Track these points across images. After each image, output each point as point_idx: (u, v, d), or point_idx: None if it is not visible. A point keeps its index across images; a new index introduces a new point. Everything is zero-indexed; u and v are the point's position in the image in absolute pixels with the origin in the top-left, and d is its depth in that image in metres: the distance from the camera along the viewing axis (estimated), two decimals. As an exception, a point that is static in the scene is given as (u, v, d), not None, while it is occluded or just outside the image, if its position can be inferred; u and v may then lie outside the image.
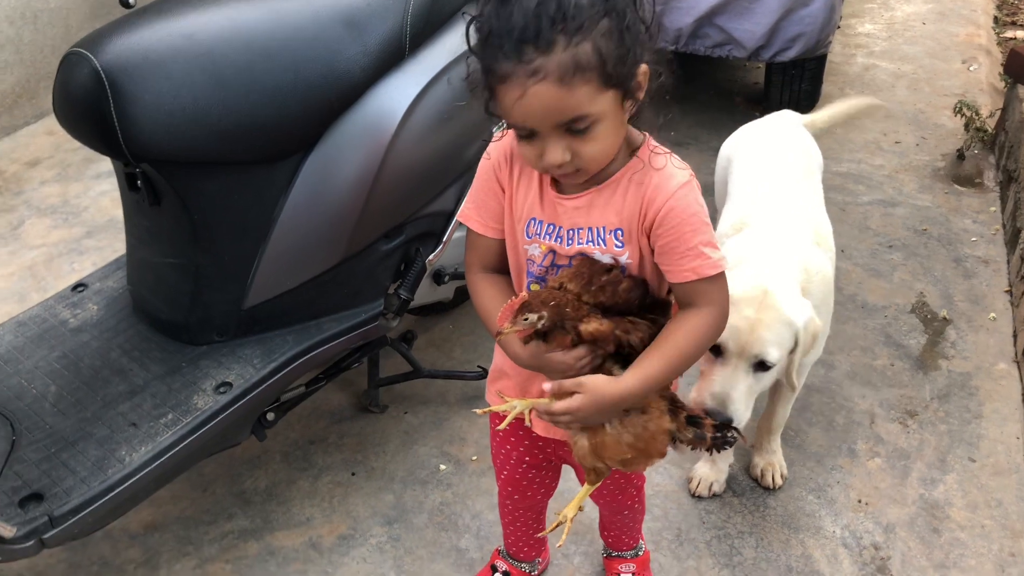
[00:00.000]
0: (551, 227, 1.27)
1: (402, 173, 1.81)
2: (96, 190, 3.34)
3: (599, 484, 1.38)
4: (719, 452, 1.38)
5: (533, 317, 1.20)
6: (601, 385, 1.23)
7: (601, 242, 1.25)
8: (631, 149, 1.25)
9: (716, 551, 1.97)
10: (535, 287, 1.32)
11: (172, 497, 2.08)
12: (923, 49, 4.51)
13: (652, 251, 1.25)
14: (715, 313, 1.26)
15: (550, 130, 1.11)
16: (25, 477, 1.56)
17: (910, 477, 2.14)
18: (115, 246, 2.99)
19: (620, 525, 1.78)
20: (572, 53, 1.05)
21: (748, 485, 2.13)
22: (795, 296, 1.65)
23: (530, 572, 1.86)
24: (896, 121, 3.82)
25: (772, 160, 2.10)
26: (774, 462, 2.12)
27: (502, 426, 1.40)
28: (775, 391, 2.02)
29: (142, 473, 1.59)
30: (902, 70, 4.28)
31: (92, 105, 1.53)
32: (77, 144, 3.63)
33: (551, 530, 1.48)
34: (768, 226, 1.85)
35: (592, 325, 1.22)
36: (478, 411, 1.41)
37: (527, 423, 1.37)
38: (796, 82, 3.54)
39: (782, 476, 2.12)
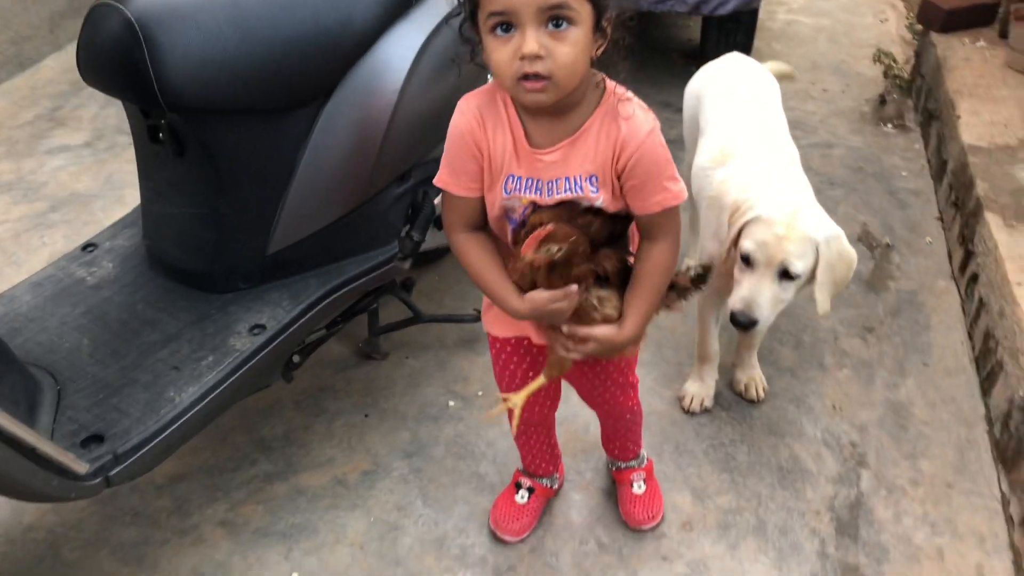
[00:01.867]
0: (530, 181, 1.38)
1: (412, 118, 1.90)
2: (51, 165, 3.29)
3: (554, 376, 1.57)
4: (699, 290, 1.54)
5: (554, 248, 1.32)
6: (610, 335, 1.42)
7: (578, 189, 1.37)
8: (597, 97, 1.36)
9: (713, 459, 2.15)
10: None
11: (192, 449, 2.13)
12: (837, 5, 4.80)
13: (621, 188, 1.39)
14: (673, 242, 1.44)
15: (531, 18, 1.19)
16: (80, 421, 1.60)
17: (875, 383, 2.37)
18: (83, 218, 2.97)
19: (623, 433, 1.92)
20: None
21: (733, 400, 2.32)
22: (822, 217, 1.83)
23: (550, 486, 1.99)
24: (821, 71, 4.08)
25: (744, 93, 2.27)
26: (755, 377, 2.32)
27: (514, 425, 1.58)
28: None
29: (193, 411, 1.65)
30: (821, 24, 4.55)
31: (125, 56, 1.57)
32: (21, 120, 3.57)
33: (498, 412, 1.64)
34: (757, 154, 2.01)
35: (581, 268, 1.36)
36: (489, 415, 1.49)
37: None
38: (732, 35, 3.74)
39: (764, 390, 2.31)
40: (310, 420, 2.23)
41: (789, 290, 1.82)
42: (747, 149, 2.05)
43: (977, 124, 3.03)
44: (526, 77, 1.23)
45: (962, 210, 2.80)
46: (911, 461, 2.14)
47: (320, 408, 2.27)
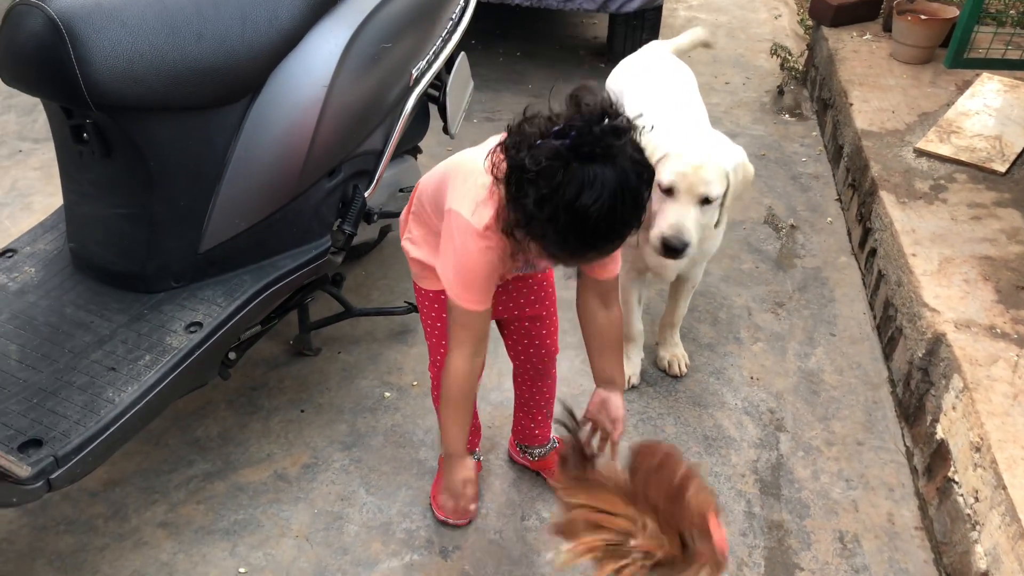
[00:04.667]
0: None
1: (341, 112, 1.93)
2: (-50, 175, 3.16)
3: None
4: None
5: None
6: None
7: None
8: None
9: (643, 431, 2.24)
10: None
11: (125, 454, 2.10)
12: (732, 2, 5.01)
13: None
14: (620, 307, 1.69)
15: None
16: (15, 427, 1.57)
17: (787, 354, 2.52)
18: (-9, 228, 2.87)
19: (548, 396, 1.98)
20: None
21: (658, 376, 2.42)
22: (729, 147, 2.00)
23: (478, 459, 2.06)
24: (722, 65, 4.26)
25: (664, 86, 2.37)
26: (678, 354, 2.43)
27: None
28: (675, 289, 2.33)
29: (134, 410, 1.64)
30: (719, 21, 4.74)
31: (50, 55, 1.55)
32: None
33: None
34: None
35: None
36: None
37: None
38: (637, 32, 3.87)
39: (686, 365, 2.43)
40: (245, 418, 2.23)
41: (708, 213, 1.97)
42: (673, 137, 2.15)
43: (868, 111, 3.24)
44: None
45: (859, 190, 2.98)
46: (824, 423, 2.29)
47: (255, 406, 2.27)
